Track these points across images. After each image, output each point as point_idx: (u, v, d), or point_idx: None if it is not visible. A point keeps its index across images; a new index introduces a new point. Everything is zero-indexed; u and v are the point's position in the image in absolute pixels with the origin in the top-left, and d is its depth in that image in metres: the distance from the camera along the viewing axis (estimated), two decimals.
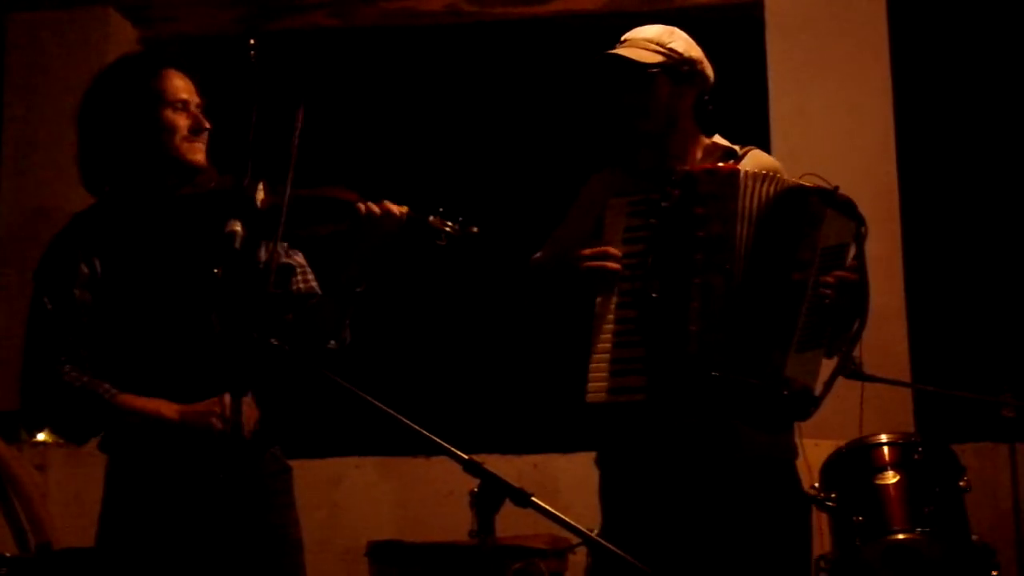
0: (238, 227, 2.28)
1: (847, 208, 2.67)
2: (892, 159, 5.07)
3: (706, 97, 2.85)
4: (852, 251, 2.69)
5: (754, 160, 2.84)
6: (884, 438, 3.76)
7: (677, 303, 2.59)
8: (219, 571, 2.45)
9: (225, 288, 2.42)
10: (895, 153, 5.07)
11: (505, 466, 4.81)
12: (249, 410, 2.45)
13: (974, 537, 3.62)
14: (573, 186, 2.97)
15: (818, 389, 2.66)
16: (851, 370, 3.85)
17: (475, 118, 5.30)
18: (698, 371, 2.56)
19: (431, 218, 2.62)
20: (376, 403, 2.18)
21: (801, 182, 2.68)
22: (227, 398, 2.42)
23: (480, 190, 5.00)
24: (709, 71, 2.87)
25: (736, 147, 2.88)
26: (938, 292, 5.03)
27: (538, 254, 2.92)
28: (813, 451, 3.75)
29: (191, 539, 2.48)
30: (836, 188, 2.68)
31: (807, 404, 2.63)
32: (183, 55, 2.72)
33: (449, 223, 2.64)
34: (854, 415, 4.27)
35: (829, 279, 2.62)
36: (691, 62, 2.81)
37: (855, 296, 2.66)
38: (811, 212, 2.62)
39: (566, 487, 4.79)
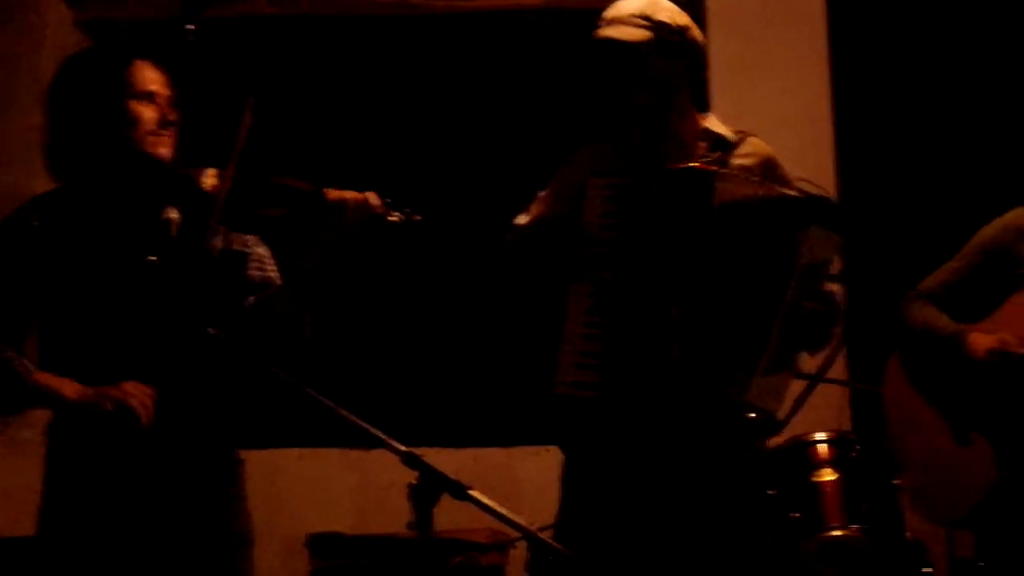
0: (174, 214, 2.26)
1: (834, 220, 2.53)
2: (831, 158, 5.13)
3: (697, 66, 2.75)
4: (835, 266, 2.58)
5: (749, 148, 2.74)
6: (822, 436, 3.79)
7: (642, 306, 2.52)
8: (158, 563, 2.43)
9: (160, 275, 2.39)
10: (833, 152, 5.13)
11: (446, 459, 4.77)
12: (143, 396, 2.40)
13: (907, 534, 3.66)
14: (533, 180, 2.91)
15: (785, 410, 2.58)
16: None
17: (425, 109, 5.27)
18: (656, 382, 2.51)
19: (380, 208, 2.61)
20: (314, 394, 2.17)
21: (785, 191, 2.55)
22: (137, 384, 2.39)
23: (434, 182, 4.99)
24: (699, 37, 2.76)
25: (730, 132, 2.78)
26: (877, 292, 5.09)
27: (521, 219, 2.81)
28: None
29: (130, 529, 2.46)
30: (827, 197, 2.55)
31: (769, 428, 2.59)
32: (159, 46, 2.69)
33: (396, 213, 2.63)
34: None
35: (808, 303, 2.50)
36: (680, 31, 2.70)
37: (835, 317, 2.57)
38: (794, 226, 2.49)
39: (507, 481, 4.80)
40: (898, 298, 3.61)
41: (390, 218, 2.61)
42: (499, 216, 2.90)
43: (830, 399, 4.71)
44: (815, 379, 2.68)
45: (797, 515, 3.64)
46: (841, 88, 5.20)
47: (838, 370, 4.90)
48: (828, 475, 3.70)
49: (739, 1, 5.23)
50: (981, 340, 2.99)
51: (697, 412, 2.54)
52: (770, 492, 3.71)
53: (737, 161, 2.67)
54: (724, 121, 5.16)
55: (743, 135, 2.78)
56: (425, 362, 5.09)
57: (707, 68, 2.78)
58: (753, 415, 2.52)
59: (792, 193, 2.56)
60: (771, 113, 5.17)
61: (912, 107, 5.15)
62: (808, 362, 4.02)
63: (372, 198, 2.61)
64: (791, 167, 5.04)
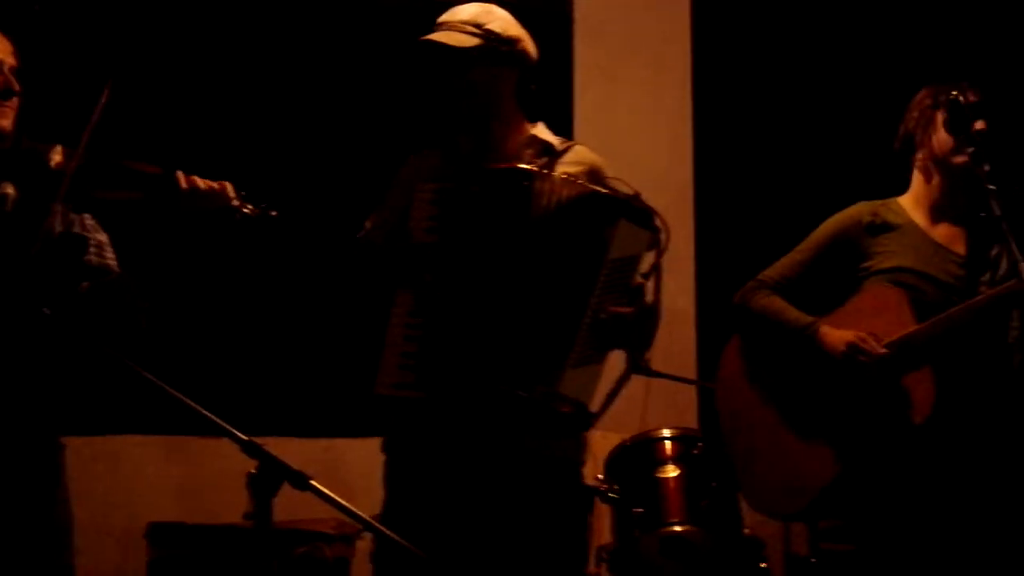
0: (10, 189, 2.18)
1: (643, 218, 2.57)
2: (689, 161, 5.23)
3: (528, 77, 2.77)
4: (647, 262, 2.61)
5: (576, 156, 2.78)
6: (666, 433, 3.86)
7: (460, 306, 2.55)
8: None
9: None
10: (692, 155, 5.23)
11: (295, 449, 4.74)
12: None
13: (746, 530, 3.76)
14: (389, 168, 2.91)
15: (600, 399, 2.62)
16: (639, 366, 3.96)
17: (288, 98, 5.18)
18: (473, 379, 2.54)
19: (235, 200, 2.56)
20: (156, 381, 2.12)
21: (596, 188, 2.60)
22: None
23: (290, 176, 4.91)
24: (531, 50, 2.78)
25: (556, 140, 2.81)
26: (729, 292, 5.19)
27: (362, 232, 2.82)
28: (603, 443, 3.84)
29: None
30: (635, 195, 2.60)
31: (583, 419, 2.61)
32: (4, 14, 2.58)
33: (249, 205, 2.58)
34: (641, 409, 4.39)
35: (615, 294, 2.54)
36: (510, 42, 2.73)
37: (642, 312, 2.61)
38: (601, 222, 2.53)
39: (357, 471, 4.77)
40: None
41: (244, 211, 2.57)
42: (358, 212, 2.90)
43: (677, 397, 4.80)
44: (630, 366, 2.71)
45: (640, 510, 3.70)
46: (702, 94, 5.30)
47: (690, 370, 5.01)
48: (671, 471, 3.77)
49: (605, 8, 5.29)
50: (837, 335, 3.02)
51: (512, 408, 2.57)
52: (614, 488, 3.79)
53: (562, 168, 2.70)
54: (587, 125, 5.27)
55: (570, 143, 2.83)
56: (280, 353, 5.01)
57: (538, 78, 2.80)
58: (566, 408, 2.54)
59: (602, 190, 2.61)
60: (633, 117, 5.25)
61: (770, 112, 5.27)
62: (660, 362, 4.13)
63: (228, 189, 2.56)
64: (651, 170, 5.16)
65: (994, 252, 3.04)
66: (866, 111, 5.03)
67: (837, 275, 3.13)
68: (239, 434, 2.11)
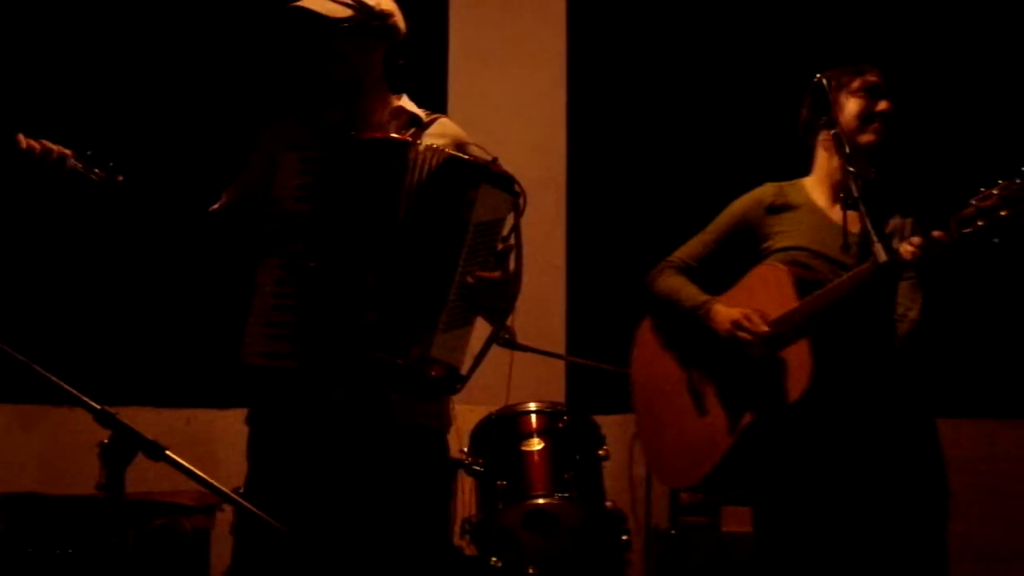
0: None
1: (503, 182, 2.61)
2: (562, 140, 5.26)
3: (396, 52, 2.77)
4: (508, 224, 2.65)
5: (441, 129, 2.80)
6: (532, 406, 3.89)
7: (331, 276, 2.54)
8: None
9: None
10: (565, 135, 5.26)
11: (156, 419, 4.67)
12: None
13: (608, 503, 3.81)
14: (246, 138, 2.86)
15: (467, 363, 2.64)
16: (505, 340, 3.99)
17: (135, 62, 5.04)
18: (347, 347, 2.53)
19: (78, 162, 2.50)
20: (5, 348, 2.06)
21: (456, 153, 2.63)
22: None
23: (142, 142, 4.79)
24: (401, 25, 2.79)
25: (422, 113, 2.82)
26: (599, 268, 5.25)
27: (216, 205, 2.79)
28: (468, 416, 3.86)
29: None
30: (493, 160, 2.64)
31: (454, 381, 2.62)
32: None
33: (96, 169, 2.52)
34: (509, 382, 4.42)
35: (480, 258, 2.57)
36: (382, 16, 2.73)
37: (507, 274, 2.64)
38: (464, 187, 2.56)
39: (222, 442, 4.71)
40: (623, 279, 3.70)
41: (90, 175, 2.50)
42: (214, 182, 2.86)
43: (546, 371, 4.85)
44: (496, 329, 2.75)
45: (504, 483, 3.73)
46: (576, 74, 5.33)
47: (558, 344, 5.06)
48: (536, 444, 3.80)
49: None
50: (725, 313, 3.08)
51: (385, 376, 2.58)
52: (479, 461, 3.80)
53: (428, 140, 2.71)
54: (462, 104, 5.26)
55: (435, 116, 2.85)
56: (146, 322, 4.90)
57: (406, 54, 2.80)
58: (437, 371, 2.57)
59: (463, 156, 2.65)
60: (508, 97, 5.26)
61: (644, 93, 5.32)
62: (529, 337, 4.16)
63: (70, 154, 2.49)
64: (525, 148, 5.18)
65: (892, 223, 3.13)
66: (742, 95, 5.13)
67: (742, 255, 3.20)
68: (92, 403, 2.06)
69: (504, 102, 5.24)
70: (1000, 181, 2.75)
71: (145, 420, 4.59)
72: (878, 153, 3.08)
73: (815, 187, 3.20)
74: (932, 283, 2.92)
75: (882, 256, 2.61)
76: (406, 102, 2.83)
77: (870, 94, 3.09)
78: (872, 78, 3.11)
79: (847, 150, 2.97)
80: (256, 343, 2.55)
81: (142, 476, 2.35)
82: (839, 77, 3.13)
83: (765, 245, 3.16)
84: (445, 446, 2.82)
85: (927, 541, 2.95)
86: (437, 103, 5.08)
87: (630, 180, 5.27)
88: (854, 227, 3.01)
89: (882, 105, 3.08)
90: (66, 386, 2.07)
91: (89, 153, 2.51)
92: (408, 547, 2.67)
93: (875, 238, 2.67)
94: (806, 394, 2.91)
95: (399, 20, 2.79)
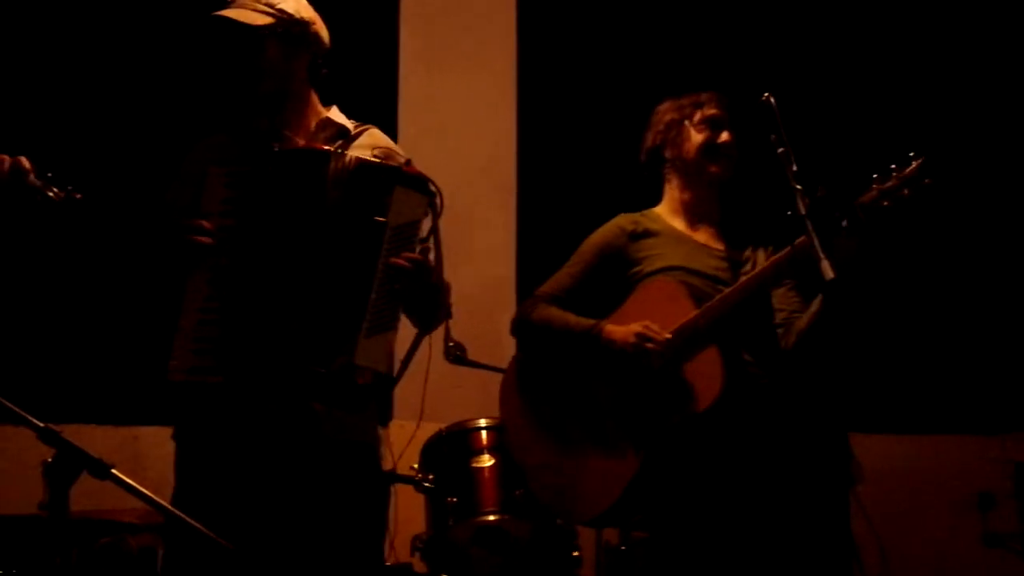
0: None
1: (417, 183, 2.62)
2: (513, 150, 5.26)
3: (320, 61, 2.79)
4: (426, 226, 2.66)
5: (369, 139, 2.81)
6: (483, 422, 3.87)
7: (254, 290, 2.54)
8: None
9: None
10: (516, 144, 5.27)
11: (102, 437, 4.61)
12: None
13: (558, 519, 3.80)
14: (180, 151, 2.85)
15: (395, 368, 2.66)
16: (456, 355, 3.97)
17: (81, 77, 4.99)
18: (272, 360, 2.53)
19: (33, 178, 2.47)
20: None
21: (369, 158, 2.65)
22: None
23: (85, 155, 4.73)
24: (324, 34, 2.80)
25: (351, 124, 2.83)
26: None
27: (147, 219, 2.77)
28: (419, 433, 3.83)
29: None
30: (406, 162, 2.66)
31: (382, 387, 2.64)
32: None
33: (54, 188, 2.50)
34: (459, 399, 4.40)
35: (400, 261, 2.57)
36: (302, 24, 2.75)
37: (428, 274, 2.64)
38: (379, 191, 2.57)
39: (166, 461, 4.64)
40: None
41: (48, 193, 2.48)
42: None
43: (497, 387, 4.81)
44: (421, 331, 2.78)
45: (454, 500, 3.71)
46: (527, 84, 5.33)
47: (506, 358, 5.03)
48: (486, 461, 3.79)
49: None
50: (622, 329, 3.08)
51: (312, 387, 2.57)
52: (429, 477, 3.78)
53: (356, 151, 2.72)
54: (412, 114, 5.24)
55: (364, 127, 2.85)
56: (91, 338, 4.84)
57: (330, 63, 2.83)
58: (365, 378, 2.57)
59: (375, 159, 2.67)
60: (458, 107, 5.25)
61: (594, 102, 5.34)
62: (478, 351, 4.14)
63: (29, 169, 2.47)
64: (475, 158, 5.17)
65: (746, 254, 3.22)
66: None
67: (609, 285, 3.21)
68: (35, 421, 2.04)
69: (455, 111, 5.24)
70: (893, 166, 2.84)
71: (90, 437, 4.55)
72: (726, 182, 3.15)
73: (670, 214, 3.27)
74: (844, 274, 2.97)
75: (829, 273, 2.64)
76: (335, 113, 2.84)
77: (711, 127, 3.18)
78: (711, 111, 3.20)
79: (695, 178, 3.09)
80: (182, 359, 2.54)
81: (87, 494, 2.32)
82: (682, 108, 3.20)
83: (636, 270, 3.19)
84: (376, 459, 2.81)
85: (831, 553, 2.97)
86: (388, 112, 5.07)
87: (581, 190, 5.28)
88: (717, 245, 3.07)
89: (723, 137, 3.16)
90: (8, 404, 2.05)
91: (49, 175, 2.49)
92: (340, 563, 2.65)
93: (822, 255, 2.69)
94: (719, 400, 2.93)
95: (321, 29, 2.81)
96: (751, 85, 3.17)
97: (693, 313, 3.03)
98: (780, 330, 3.11)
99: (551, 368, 3.28)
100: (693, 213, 3.25)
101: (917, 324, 5.11)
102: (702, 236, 3.20)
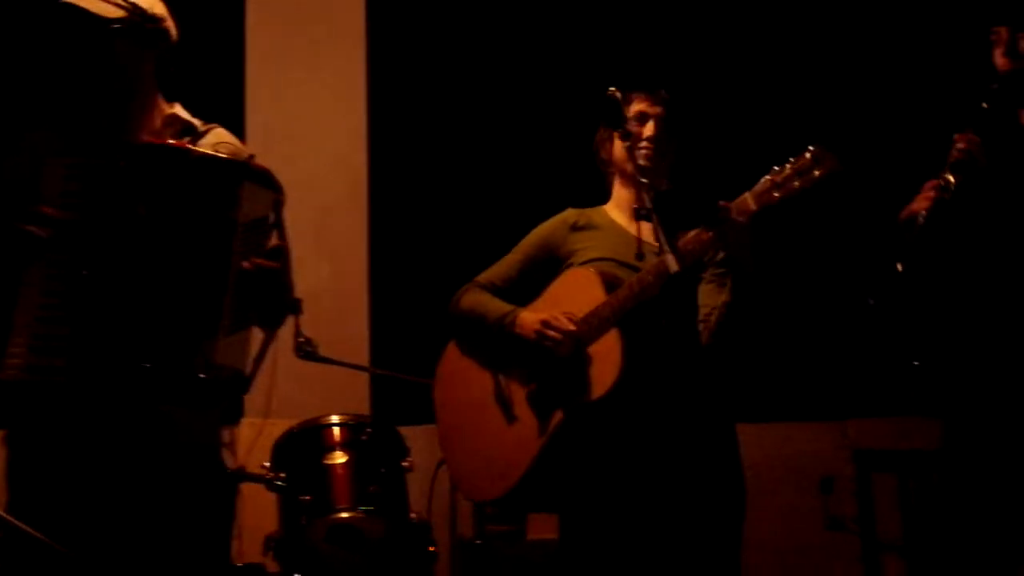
0: None
1: (263, 178, 2.58)
2: (364, 147, 5.23)
3: (167, 58, 2.72)
4: (271, 221, 2.63)
5: (216, 138, 2.76)
6: (335, 419, 3.85)
7: (103, 286, 2.45)
8: None
9: None
10: (367, 141, 5.24)
11: None
12: None
13: (412, 515, 3.79)
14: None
15: (250, 366, 2.60)
16: (307, 352, 3.93)
17: None
18: (123, 359, 2.43)
19: None
20: None
21: (213, 153, 2.60)
22: None
23: None
24: (172, 30, 2.74)
25: (197, 122, 2.78)
26: (402, 279, 5.24)
27: None
28: (270, 431, 3.78)
29: None
30: (251, 157, 2.62)
31: (239, 385, 2.57)
32: None
33: None
34: (310, 395, 4.36)
35: (253, 258, 2.53)
36: (155, 19, 2.67)
37: (281, 271, 2.61)
38: (228, 186, 2.51)
39: None
40: (427, 289, 3.70)
41: None
42: None
43: (350, 383, 4.80)
44: (271, 328, 2.71)
45: (307, 498, 3.67)
46: (377, 79, 5.31)
47: (362, 356, 5.02)
48: (339, 457, 3.76)
49: None
50: (531, 318, 3.13)
51: (162, 386, 2.49)
52: (280, 476, 3.73)
53: (203, 150, 2.66)
54: (260, 111, 5.16)
55: (210, 126, 2.81)
56: None
57: (176, 61, 2.76)
58: (221, 377, 2.50)
59: (221, 155, 2.62)
60: (307, 103, 5.20)
61: (446, 97, 5.35)
62: (331, 348, 4.09)
63: None
64: (327, 155, 5.13)
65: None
66: (546, 107, 5.20)
67: (548, 274, 3.25)
68: None
69: (304, 106, 5.19)
70: (791, 158, 2.88)
71: None
72: (652, 174, 3.19)
73: (614, 210, 3.33)
74: (741, 263, 3.03)
75: (673, 267, 2.69)
76: (180, 110, 2.78)
77: (638, 121, 3.22)
78: (638, 106, 3.23)
79: (633, 167, 3.08)
80: (18, 357, 2.42)
81: None
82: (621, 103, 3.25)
83: (569, 262, 3.24)
84: (219, 460, 2.76)
85: (723, 540, 3.04)
86: (234, 110, 4.99)
87: (433, 190, 5.28)
88: (650, 237, 3.11)
89: (644, 131, 3.21)
90: None
91: None
92: (183, 565, 2.59)
93: (667, 248, 2.74)
94: (617, 384, 2.97)
95: (171, 25, 2.74)
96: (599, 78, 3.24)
97: (602, 299, 3.07)
98: (701, 325, 3.15)
99: (478, 352, 3.30)
100: (632, 208, 3.25)
101: (761, 313, 5.23)
102: (645, 231, 3.19)
